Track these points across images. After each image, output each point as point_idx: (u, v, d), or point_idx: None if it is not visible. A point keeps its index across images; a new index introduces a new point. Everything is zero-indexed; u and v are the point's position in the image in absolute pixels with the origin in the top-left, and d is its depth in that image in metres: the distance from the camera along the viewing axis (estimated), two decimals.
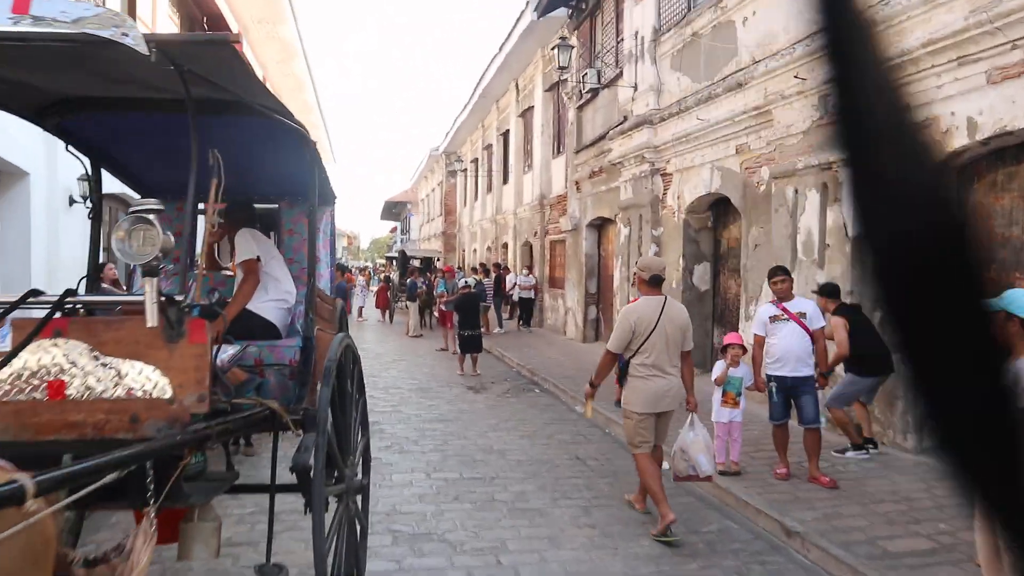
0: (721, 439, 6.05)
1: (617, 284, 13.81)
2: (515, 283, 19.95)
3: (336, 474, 3.50)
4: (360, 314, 24.61)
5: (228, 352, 3.18)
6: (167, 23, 15.64)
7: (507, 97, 24.77)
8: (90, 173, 3.78)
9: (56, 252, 9.27)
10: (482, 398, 10.19)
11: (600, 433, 7.96)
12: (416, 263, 28.61)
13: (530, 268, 20.34)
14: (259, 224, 4.28)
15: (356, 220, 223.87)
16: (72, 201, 9.84)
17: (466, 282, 13.70)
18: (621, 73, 13.42)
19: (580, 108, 16.34)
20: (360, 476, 4.02)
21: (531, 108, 21.97)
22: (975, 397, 0.50)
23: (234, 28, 18.28)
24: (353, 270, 34.07)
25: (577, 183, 16.55)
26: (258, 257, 3.94)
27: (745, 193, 9.39)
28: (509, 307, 19.54)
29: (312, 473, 2.99)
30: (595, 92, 15.47)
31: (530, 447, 7.31)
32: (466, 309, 12.58)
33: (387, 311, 24.72)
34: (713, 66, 10.02)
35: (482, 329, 15.01)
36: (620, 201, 13.38)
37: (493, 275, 19.99)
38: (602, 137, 14.44)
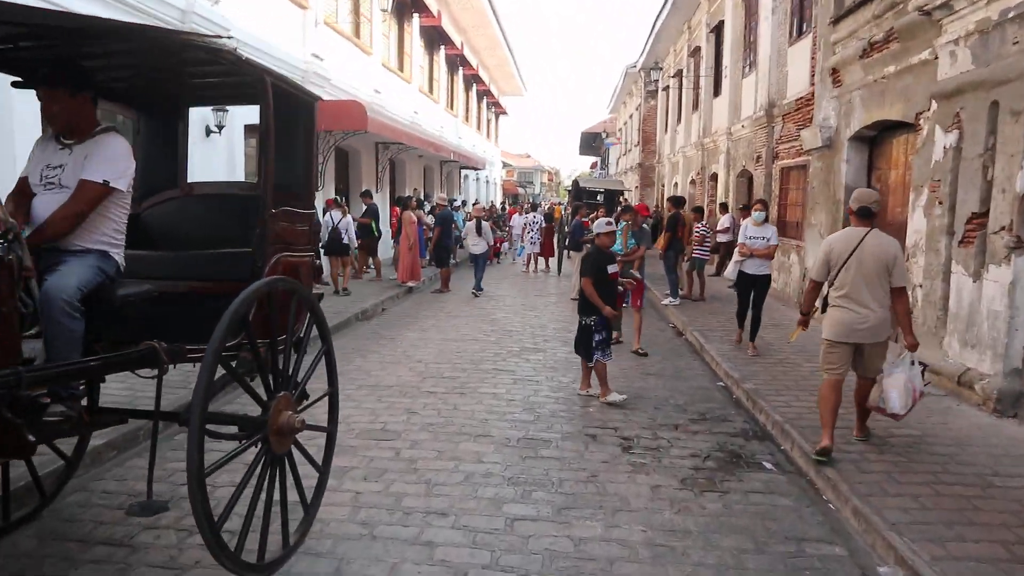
0: None
1: (921, 237, 7.65)
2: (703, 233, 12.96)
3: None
4: (530, 263, 19.33)
5: None
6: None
7: None
8: None
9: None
10: (645, 490, 4.68)
11: None
12: (599, 198, 23.20)
13: (765, 205, 9.68)
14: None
15: (555, 155, 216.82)
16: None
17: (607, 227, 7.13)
18: None
19: None
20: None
21: None
22: None
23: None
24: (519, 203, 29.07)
25: (835, 71, 10.26)
26: None
27: None
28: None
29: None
30: None
31: None
32: (593, 275, 6.79)
33: (550, 260, 19.30)
34: None
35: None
36: (937, 84, 7.18)
37: (669, 212, 13.34)
38: None
